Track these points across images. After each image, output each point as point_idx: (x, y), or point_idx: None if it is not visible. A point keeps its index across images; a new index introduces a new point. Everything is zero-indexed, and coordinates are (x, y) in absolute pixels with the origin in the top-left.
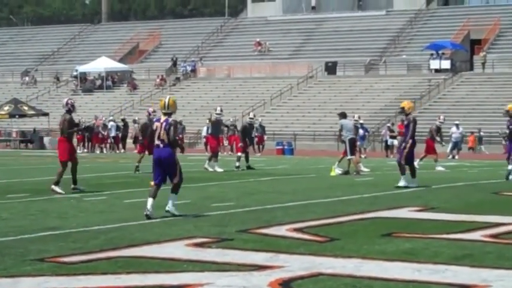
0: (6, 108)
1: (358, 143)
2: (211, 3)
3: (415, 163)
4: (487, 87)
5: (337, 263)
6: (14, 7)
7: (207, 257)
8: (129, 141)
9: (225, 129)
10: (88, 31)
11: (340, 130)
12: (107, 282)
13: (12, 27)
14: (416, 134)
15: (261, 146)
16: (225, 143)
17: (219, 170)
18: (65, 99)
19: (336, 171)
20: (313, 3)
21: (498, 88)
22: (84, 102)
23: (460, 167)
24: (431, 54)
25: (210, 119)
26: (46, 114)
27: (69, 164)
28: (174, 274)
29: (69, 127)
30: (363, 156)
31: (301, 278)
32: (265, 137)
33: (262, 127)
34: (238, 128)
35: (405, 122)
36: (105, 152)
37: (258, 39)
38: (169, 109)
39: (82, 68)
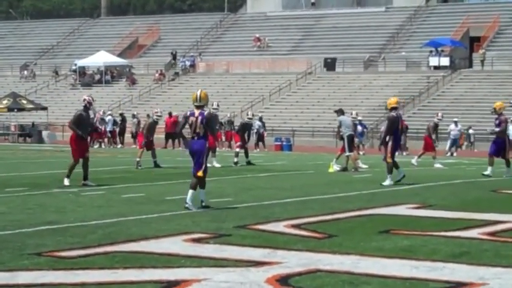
0: (4, 101)
1: (357, 139)
2: None
3: (413, 160)
4: (486, 84)
5: (334, 259)
6: (14, 1)
7: (205, 253)
8: (127, 135)
9: (221, 126)
10: (87, 25)
11: (339, 127)
12: (104, 277)
13: (11, 20)
14: (414, 131)
15: (258, 143)
16: (223, 138)
17: (217, 165)
18: (84, 96)
19: (334, 167)
20: None
21: (497, 85)
22: (82, 96)
23: (458, 164)
24: (431, 51)
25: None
26: (45, 108)
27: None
28: (172, 269)
29: (76, 123)
30: (361, 153)
31: (299, 274)
32: (265, 133)
33: (262, 123)
34: (235, 123)
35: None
36: (103, 146)
37: (257, 35)
38: (202, 101)
39: (81, 62)
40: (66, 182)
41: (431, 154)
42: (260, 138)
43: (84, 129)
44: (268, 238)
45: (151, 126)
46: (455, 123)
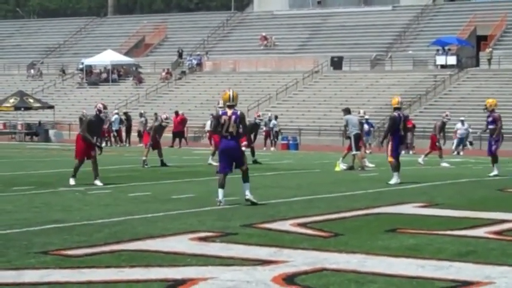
0: (11, 100)
1: (364, 138)
2: None
3: (420, 159)
4: (493, 83)
5: (341, 258)
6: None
7: (211, 251)
8: (133, 134)
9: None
10: (94, 24)
11: (346, 126)
12: (111, 276)
13: (18, 19)
14: (421, 129)
15: (273, 141)
16: None
17: None
18: (98, 103)
19: (341, 166)
20: None
21: (504, 84)
22: (89, 95)
23: (465, 163)
24: (437, 50)
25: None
26: (51, 107)
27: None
28: (178, 268)
29: (88, 128)
30: (368, 151)
31: (305, 273)
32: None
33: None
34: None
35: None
36: (107, 145)
37: (263, 34)
38: (234, 101)
39: (88, 61)
40: (72, 181)
41: (438, 153)
42: (275, 136)
43: (93, 134)
44: (274, 237)
45: (159, 130)
46: (462, 122)
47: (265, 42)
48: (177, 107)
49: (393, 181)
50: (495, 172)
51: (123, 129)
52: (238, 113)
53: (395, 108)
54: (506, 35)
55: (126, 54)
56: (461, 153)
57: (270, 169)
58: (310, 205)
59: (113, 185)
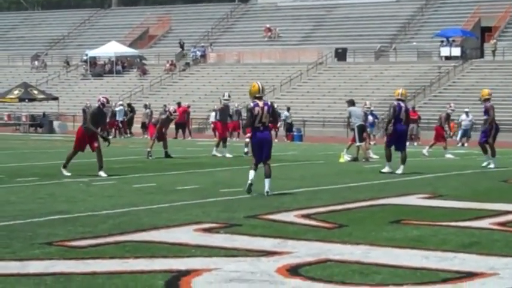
0: (16, 92)
1: (368, 129)
2: None
3: (424, 150)
4: (497, 74)
5: (345, 249)
6: None
7: (215, 242)
8: (137, 126)
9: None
10: (98, 16)
11: (349, 117)
12: (115, 267)
13: (22, 11)
14: (425, 121)
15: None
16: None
17: (228, 155)
18: (99, 97)
19: (345, 157)
20: None
21: (508, 76)
22: (93, 86)
23: (469, 154)
24: (442, 41)
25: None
26: (56, 99)
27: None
28: (182, 259)
29: (92, 120)
30: (372, 143)
31: (309, 264)
32: (279, 123)
33: (278, 113)
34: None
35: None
36: (111, 136)
37: (268, 25)
38: (263, 92)
39: (92, 53)
40: (65, 172)
41: (442, 144)
42: (289, 128)
43: (98, 126)
44: (278, 228)
45: (166, 122)
46: (467, 113)
47: (269, 33)
48: (181, 99)
49: (385, 170)
50: (485, 163)
51: (127, 120)
52: (269, 103)
53: (398, 100)
54: (510, 26)
55: (130, 45)
56: (466, 144)
57: (274, 160)
58: (315, 196)
59: (117, 176)
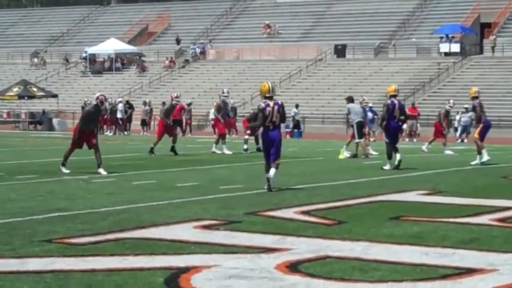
0: (15, 89)
1: (368, 126)
2: None
3: (424, 147)
4: (496, 70)
5: (344, 246)
6: None
7: (215, 239)
8: (136, 123)
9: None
10: (97, 13)
11: (348, 114)
12: (115, 264)
13: (21, 8)
14: (424, 117)
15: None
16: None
17: (228, 152)
18: (97, 94)
19: (345, 154)
20: None
21: (508, 72)
22: (93, 83)
23: (469, 150)
24: (441, 38)
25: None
26: (55, 96)
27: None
28: (182, 256)
29: (87, 118)
30: (371, 139)
31: (309, 260)
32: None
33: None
34: (245, 110)
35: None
36: (110, 133)
37: (267, 22)
38: (273, 92)
39: (91, 50)
40: (64, 170)
41: (442, 141)
42: (297, 125)
43: (91, 123)
44: (278, 225)
45: (171, 110)
46: (466, 109)
47: (268, 30)
48: (180, 96)
49: (386, 167)
50: (476, 161)
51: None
52: (280, 102)
53: (391, 96)
54: (510, 22)
55: (130, 42)
56: (465, 140)
57: None
58: (314, 193)
59: (117, 173)
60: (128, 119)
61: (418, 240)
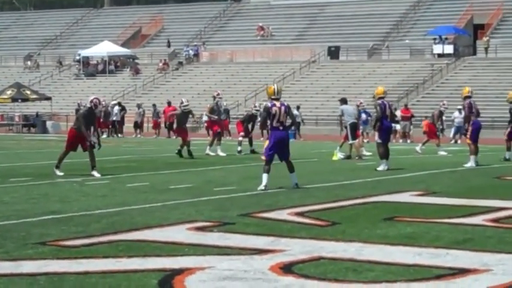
0: (8, 92)
1: (361, 127)
2: None
3: (418, 148)
4: (490, 72)
5: (338, 247)
6: None
7: (209, 241)
8: (129, 125)
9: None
10: (91, 15)
11: (341, 115)
12: (108, 266)
13: (15, 11)
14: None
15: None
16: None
17: (222, 154)
18: (91, 97)
19: (338, 155)
20: None
21: (501, 73)
22: (86, 86)
23: (463, 151)
24: (434, 39)
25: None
26: (49, 99)
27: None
28: (175, 258)
29: (83, 121)
30: (365, 140)
31: (302, 261)
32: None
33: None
34: (239, 113)
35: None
36: (105, 136)
37: (260, 24)
38: (279, 94)
39: (85, 53)
40: (58, 172)
41: (435, 142)
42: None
43: (87, 127)
44: (272, 226)
45: (183, 117)
46: (459, 110)
47: (262, 32)
48: (174, 98)
49: (380, 168)
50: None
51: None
52: (286, 103)
53: (379, 98)
54: (503, 23)
55: (123, 45)
56: (459, 141)
57: None
58: (308, 194)
59: (111, 175)
60: (121, 121)
61: (412, 240)
